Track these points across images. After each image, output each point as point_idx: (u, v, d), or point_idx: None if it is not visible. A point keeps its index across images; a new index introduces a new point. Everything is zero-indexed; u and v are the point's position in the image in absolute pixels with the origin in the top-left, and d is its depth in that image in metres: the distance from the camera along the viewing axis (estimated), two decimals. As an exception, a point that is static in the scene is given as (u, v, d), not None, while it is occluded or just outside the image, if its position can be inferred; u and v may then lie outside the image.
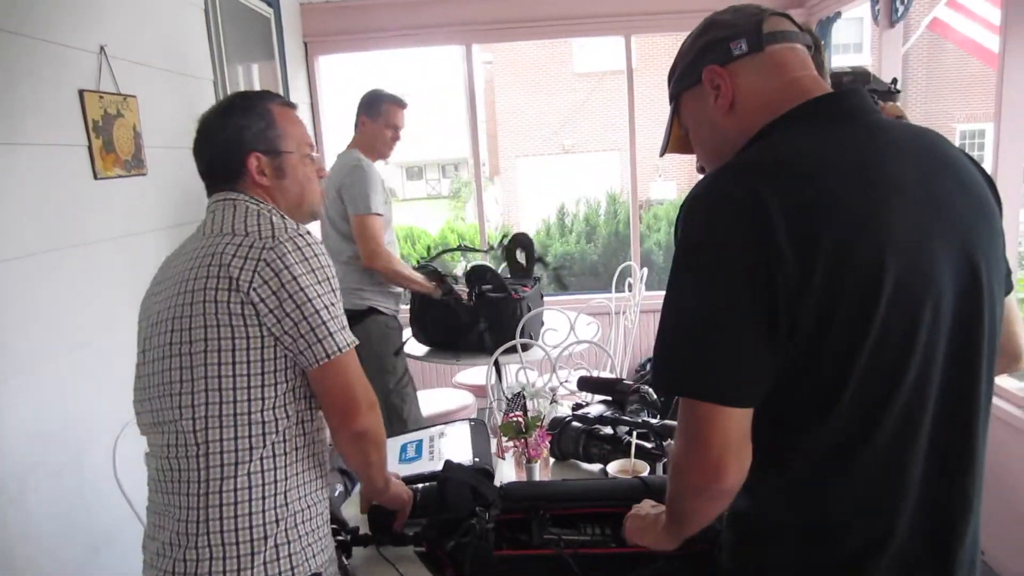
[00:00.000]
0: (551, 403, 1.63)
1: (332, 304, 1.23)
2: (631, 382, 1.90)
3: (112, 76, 2.19)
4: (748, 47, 1.01)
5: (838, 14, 3.88)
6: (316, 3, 4.08)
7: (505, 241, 3.32)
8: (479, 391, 3.44)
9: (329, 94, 4.33)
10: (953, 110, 13.22)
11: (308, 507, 1.28)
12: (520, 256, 3.33)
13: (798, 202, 0.86)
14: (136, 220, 2.32)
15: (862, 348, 0.86)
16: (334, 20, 4.13)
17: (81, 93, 2.04)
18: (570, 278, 7.26)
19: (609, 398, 1.98)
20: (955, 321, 0.91)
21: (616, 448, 1.76)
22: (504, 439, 1.66)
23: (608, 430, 1.81)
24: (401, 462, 1.88)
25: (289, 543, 1.23)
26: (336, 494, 1.72)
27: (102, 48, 2.15)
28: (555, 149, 15.27)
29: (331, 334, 1.20)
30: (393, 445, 2.02)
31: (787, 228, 0.84)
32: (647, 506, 1.26)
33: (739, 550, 1.02)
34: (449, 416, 3.15)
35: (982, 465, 0.98)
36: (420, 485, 1.65)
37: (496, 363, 2.76)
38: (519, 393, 1.68)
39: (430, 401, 3.53)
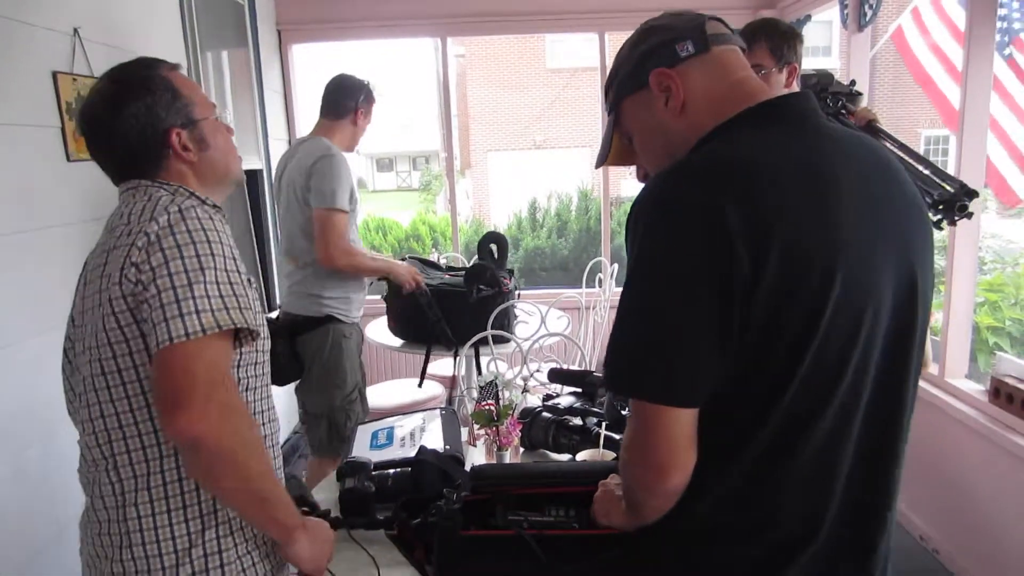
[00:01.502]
0: (523, 392, 1.67)
1: (199, 282, 1.03)
2: (600, 374, 1.95)
3: (86, 58, 2.17)
4: (695, 48, 1.01)
5: (808, 16, 3.98)
6: (289, -9, 4.07)
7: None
8: (448, 382, 3.47)
9: (300, 83, 4.30)
10: (919, 116, 13.50)
11: None
12: (492, 249, 3.37)
13: (755, 205, 0.87)
14: (109, 202, 2.30)
15: (808, 348, 0.89)
16: (308, 8, 4.11)
17: (55, 75, 2.03)
18: (540, 272, 7.30)
19: (579, 390, 2.03)
20: (892, 323, 0.95)
21: (585, 439, 1.80)
22: (476, 427, 1.69)
23: (577, 421, 1.85)
24: (372, 448, 1.92)
25: (221, 552, 1.13)
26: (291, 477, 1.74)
27: (76, 30, 2.14)
28: (527, 144, 15.32)
29: (180, 315, 1.00)
30: (364, 432, 2.06)
31: (743, 232, 0.85)
32: (613, 483, 1.24)
33: (677, 546, 1.03)
34: (418, 406, 3.18)
35: (903, 462, 1.02)
36: (392, 471, 1.69)
37: (476, 353, 2.79)
38: (491, 382, 1.72)
39: (398, 391, 3.56)
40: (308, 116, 4.19)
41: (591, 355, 3.55)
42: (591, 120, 15.21)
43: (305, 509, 1.50)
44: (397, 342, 3.12)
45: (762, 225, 0.86)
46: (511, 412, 1.63)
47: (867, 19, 3.50)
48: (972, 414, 2.59)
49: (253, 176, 3.64)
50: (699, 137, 1.01)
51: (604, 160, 1.21)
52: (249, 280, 1.18)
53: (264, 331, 1.23)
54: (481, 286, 2.77)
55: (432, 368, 3.80)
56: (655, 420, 0.91)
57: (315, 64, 4.59)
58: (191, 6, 2.89)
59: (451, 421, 2.03)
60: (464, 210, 13.96)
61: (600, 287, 3.86)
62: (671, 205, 0.91)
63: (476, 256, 3.41)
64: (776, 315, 0.87)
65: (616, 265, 3.89)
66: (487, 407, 1.65)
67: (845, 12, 3.60)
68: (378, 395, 3.44)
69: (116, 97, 1.17)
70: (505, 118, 15.12)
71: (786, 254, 0.86)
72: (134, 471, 1.09)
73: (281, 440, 1.29)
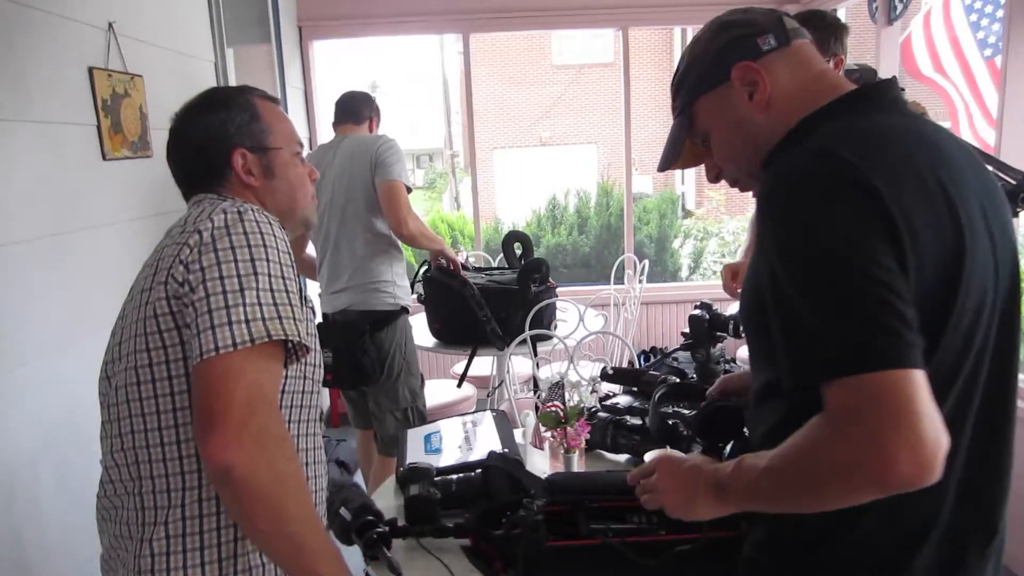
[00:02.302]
0: (591, 393, 1.62)
1: (251, 288, 0.95)
2: (656, 373, 1.90)
3: (120, 54, 2.12)
4: (776, 42, 1.00)
5: (834, 11, 3.92)
6: (311, -13, 4.01)
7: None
8: (481, 383, 3.41)
9: (320, 80, 4.25)
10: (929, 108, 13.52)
11: None
12: (517, 249, 3.33)
13: (899, 178, 0.85)
14: (142, 203, 2.25)
15: (944, 328, 0.86)
16: (329, 4, 4.05)
17: (91, 70, 1.97)
18: (562, 270, 7.25)
19: (635, 389, 1.97)
20: (1003, 305, 0.93)
21: (645, 438, 1.75)
22: (542, 429, 1.64)
23: (636, 421, 1.80)
24: (428, 453, 1.86)
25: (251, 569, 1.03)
26: (352, 485, 1.68)
27: (110, 25, 2.08)
28: (532, 141, 15.26)
29: (228, 323, 0.92)
30: (415, 436, 2.00)
31: (897, 208, 0.82)
32: (677, 462, 1.12)
33: (799, 545, 0.98)
34: (452, 408, 3.12)
35: (1014, 443, 0.99)
36: (454, 476, 1.64)
37: (534, 350, 2.73)
38: (558, 383, 1.66)
39: (432, 392, 3.50)
40: (327, 114, 4.14)
41: (623, 352, 3.51)
42: (597, 117, 15.30)
43: (370, 518, 1.47)
44: (430, 342, 3.06)
45: (909, 199, 0.84)
46: (580, 414, 1.57)
47: (898, 12, 3.46)
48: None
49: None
50: (786, 130, 0.99)
51: (672, 163, 1.17)
52: (304, 298, 1.10)
53: (317, 357, 1.16)
54: (535, 282, 2.73)
55: (459, 368, 3.76)
56: (908, 389, 0.76)
57: (327, 63, 4.53)
58: (218, 1, 2.84)
59: (503, 423, 1.97)
60: (468, 209, 13.92)
61: (628, 283, 3.81)
62: (823, 172, 0.86)
63: (502, 255, 3.36)
64: (919, 293, 0.83)
65: (647, 261, 3.84)
66: (553, 408, 1.59)
67: (875, 6, 3.56)
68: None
69: (198, 108, 1.18)
70: (510, 115, 15.06)
71: (925, 232, 0.84)
72: (155, 501, 1.00)
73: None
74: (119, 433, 1.03)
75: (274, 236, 1.03)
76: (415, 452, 1.87)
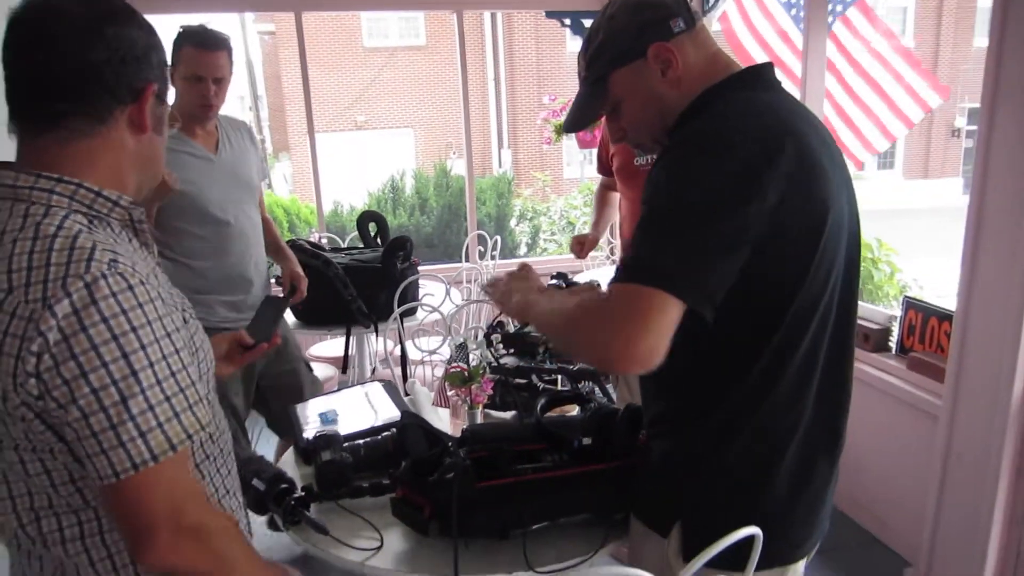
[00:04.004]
0: (488, 349, 1.73)
1: (135, 395, 0.81)
2: (538, 334, 2.06)
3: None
4: (685, 24, 1.15)
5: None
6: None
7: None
8: (338, 363, 3.40)
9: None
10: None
11: None
12: (372, 228, 3.35)
13: (800, 146, 1.05)
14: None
15: (811, 265, 1.08)
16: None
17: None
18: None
19: (514, 350, 2.12)
20: (847, 254, 1.16)
21: (532, 395, 1.92)
22: (448, 389, 1.74)
23: (522, 380, 1.96)
24: (326, 423, 1.88)
25: None
26: (259, 457, 1.68)
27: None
28: (348, 125, 14.93)
29: (120, 444, 0.81)
30: (308, 410, 2.00)
31: (792, 166, 1.02)
32: (523, 279, 1.30)
33: (696, 448, 1.19)
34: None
35: (854, 349, 1.25)
36: (361, 441, 1.69)
37: (401, 326, 2.76)
38: (462, 345, 1.76)
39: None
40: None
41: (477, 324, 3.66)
42: (413, 100, 15.27)
43: (285, 486, 1.49)
44: (290, 322, 3.00)
45: (802, 167, 1.04)
46: (483, 372, 1.69)
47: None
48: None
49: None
50: (689, 102, 1.16)
51: (583, 126, 1.32)
52: (185, 319, 1.01)
53: (209, 361, 1.07)
54: (399, 260, 2.76)
55: (316, 350, 3.71)
56: (662, 310, 0.96)
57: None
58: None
59: (393, 391, 2.04)
60: (284, 194, 13.36)
61: (479, 260, 3.97)
62: (735, 137, 1.03)
63: (357, 234, 3.36)
64: (790, 235, 1.04)
65: (497, 237, 4.01)
66: (457, 369, 1.70)
67: None
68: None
69: (117, 13, 0.90)
70: (323, 98, 14.62)
71: (803, 197, 1.05)
72: (68, 548, 0.91)
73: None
74: (9, 495, 0.91)
75: (138, 307, 0.83)
76: (314, 426, 1.89)
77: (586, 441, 1.44)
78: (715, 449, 1.16)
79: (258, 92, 17.05)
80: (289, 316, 3.02)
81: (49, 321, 0.79)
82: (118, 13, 0.91)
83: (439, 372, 3.03)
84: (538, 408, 1.71)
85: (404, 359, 2.79)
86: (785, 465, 1.16)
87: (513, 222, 7.46)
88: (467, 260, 4.07)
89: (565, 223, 7.41)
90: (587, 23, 4.57)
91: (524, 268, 1.33)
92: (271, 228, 2.57)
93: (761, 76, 1.18)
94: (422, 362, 3.03)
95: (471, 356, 1.79)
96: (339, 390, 2.18)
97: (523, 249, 7.38)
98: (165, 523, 0.84)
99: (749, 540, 1.13)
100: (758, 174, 1.01)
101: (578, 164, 14.35)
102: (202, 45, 2.15)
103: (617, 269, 1.07)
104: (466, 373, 1.66)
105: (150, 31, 0.95)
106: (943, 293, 2.83)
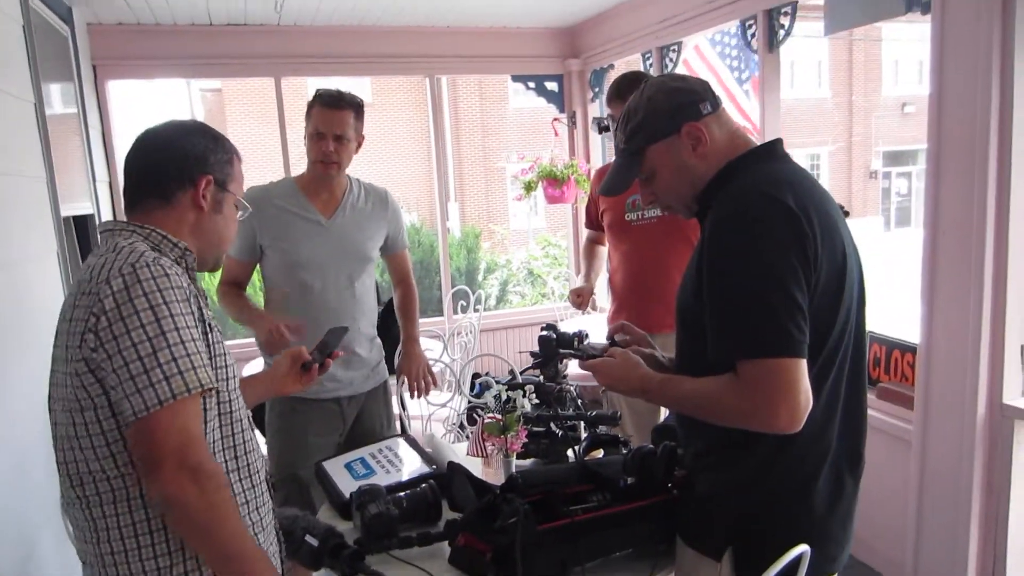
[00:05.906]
0: (524, 398, 1.83)
1: (163, 348, 1.09)
2: (555, 384, 2.17)
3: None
4: (712, 107, 1.36)
5: (612, 65, 4.58)
6: (105, 25, 3.75)
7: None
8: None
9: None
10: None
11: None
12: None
13: (815, 207, 1.24)
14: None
15: (837, 313, 1.26)
16: (122, 44, 3.82)
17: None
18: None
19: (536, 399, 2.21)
20: (859, 298, 1.35)
21: (554, 442, 2.01)
22: (484, 439, 1.83)
23: (540, 428, 2.05)
24: (357, 479, 1.93)
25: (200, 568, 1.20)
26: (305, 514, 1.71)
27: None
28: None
29: (150, 384, 1.08)
30: (332, 467, 2.04)
31: (815, 231, 1.21)
32: (627, 356, 1.47)
33: (746, 476, 1.32)
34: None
35: (866, 384, 1.42)
36: (402, 493, 1.76)
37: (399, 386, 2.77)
38: (498, 395, 1.86)
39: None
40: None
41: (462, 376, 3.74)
42: (361, 156, 15.24)
43: (339, 540, 1.53)
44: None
45: (821, 226, 1.23)
46: (518, 422, 1.79)
47: (780, 38, 3.31)
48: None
49: (83, 222, 3.30)
50: (715, 173, 1.35)
51: (621, 190, 1.49)
52: (210, 325, 1.23)
53: (232, 371, 1.29)
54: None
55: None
56: (794, 371, 1.17)
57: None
58: (32, 36, 2.61)
59: (416, 445, 2.11)
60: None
61: (460, 313, 4.07)
62: (769, 211, 1.22)
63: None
64: (821, 284, 1.22)
65: (480, 291, 4.13)
66: (493, 419, 1.79)
67: (752, 30, 3.38)
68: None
69: (188, 130, 1.32)
70: (270, 156, 14.55)
71: (827, 250, 1.24)
72: (104, 511, 1.16)
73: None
74: (64, 461, 1.19)
75: (171, 288, 1.14)
76: (345, 482, 1.93)
77: (630, 480, 1.56)
78: (761, 476, 1.31)
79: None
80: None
81: (106, 290, 1.10)
82: (190, 130, 1.32)
83: (435, 428, 3.11)
84: (580, 451, 1.82)
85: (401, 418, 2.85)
86: (819, 486, 1.31)
87: (480, 276, 7.59)
88: (445, 315, 4.17)
89: (525, 273, 7.59)
90: (549, 85, 4.83)
91: (619, 353, 1.49)
92: (405, 295, 2.59)
93: (774, 151, 1.38)
94: (419, 417, 3.10)
95: (493, 401, 1.89)
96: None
97: (492, 301, 7.51)
98: (171, 455, 1.07)
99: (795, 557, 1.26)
100: (801, 239, 1.20)
101: (524, 216, 14.68)
102: (325, 103, 2.24)
103: (718, 343, 1.25)
104: (502, 423, 1.76)
105: (214, 138, 1.33)
106: (882, 326, 3.07)
